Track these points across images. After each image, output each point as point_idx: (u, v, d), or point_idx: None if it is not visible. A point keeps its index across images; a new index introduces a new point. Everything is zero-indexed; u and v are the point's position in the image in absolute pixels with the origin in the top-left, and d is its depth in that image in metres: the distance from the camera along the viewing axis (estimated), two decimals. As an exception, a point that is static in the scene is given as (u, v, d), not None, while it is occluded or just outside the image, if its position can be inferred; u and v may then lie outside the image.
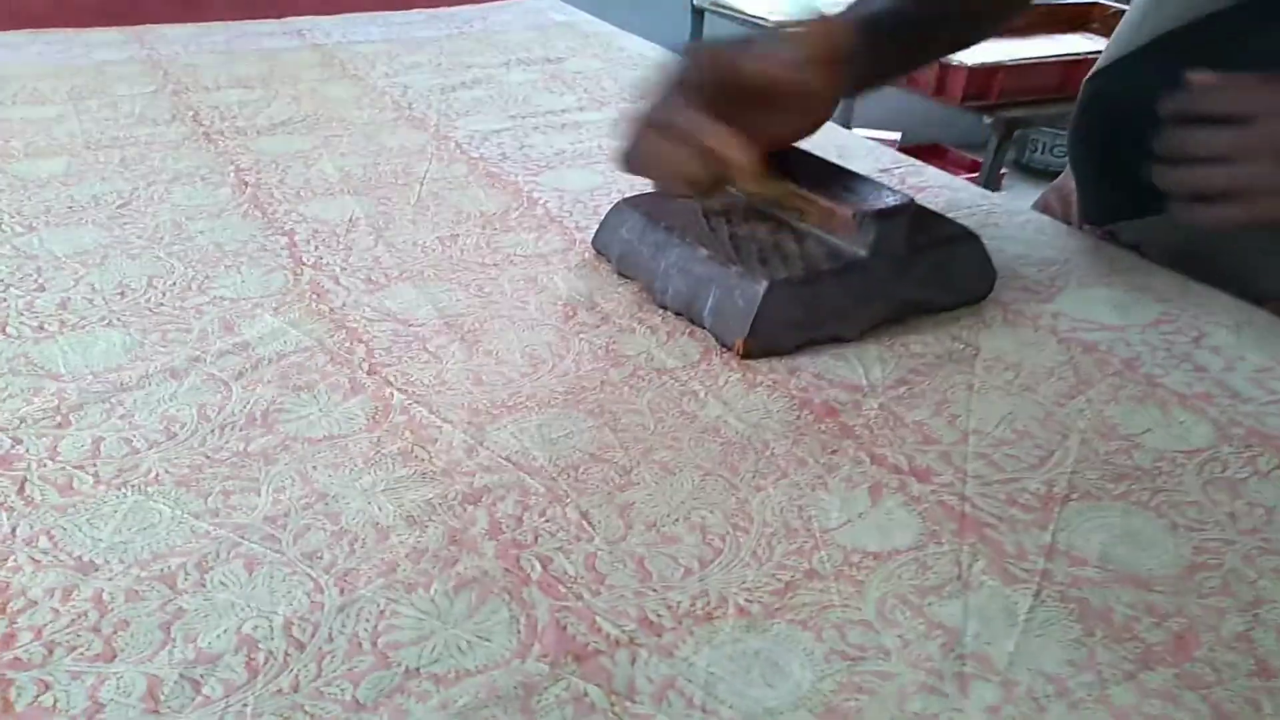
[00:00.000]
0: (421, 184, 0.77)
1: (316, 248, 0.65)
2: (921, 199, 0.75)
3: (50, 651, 0.34)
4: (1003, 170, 2.94)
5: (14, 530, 0.39)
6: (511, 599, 0.37)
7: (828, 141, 0.86)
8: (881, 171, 0.81)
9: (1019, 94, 1.51)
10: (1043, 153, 3.41)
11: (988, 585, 0.38)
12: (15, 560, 0.37)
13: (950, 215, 0.72)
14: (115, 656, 0.34)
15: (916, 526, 0.41)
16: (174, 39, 1.21)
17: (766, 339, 0.53)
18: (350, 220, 0.70)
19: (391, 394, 0.49)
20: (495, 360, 0.53)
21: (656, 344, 0.55)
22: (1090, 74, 0.73)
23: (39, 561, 0.38)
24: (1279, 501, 0.44)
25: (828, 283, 0.54)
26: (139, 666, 0.33)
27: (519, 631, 0.35)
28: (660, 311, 0.58)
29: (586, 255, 0.65)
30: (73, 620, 0.35)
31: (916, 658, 0.35)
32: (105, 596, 0.36)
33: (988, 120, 1.52)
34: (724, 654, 0.35)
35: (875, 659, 0.35)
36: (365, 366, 0.52)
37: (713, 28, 1.95)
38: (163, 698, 0.32)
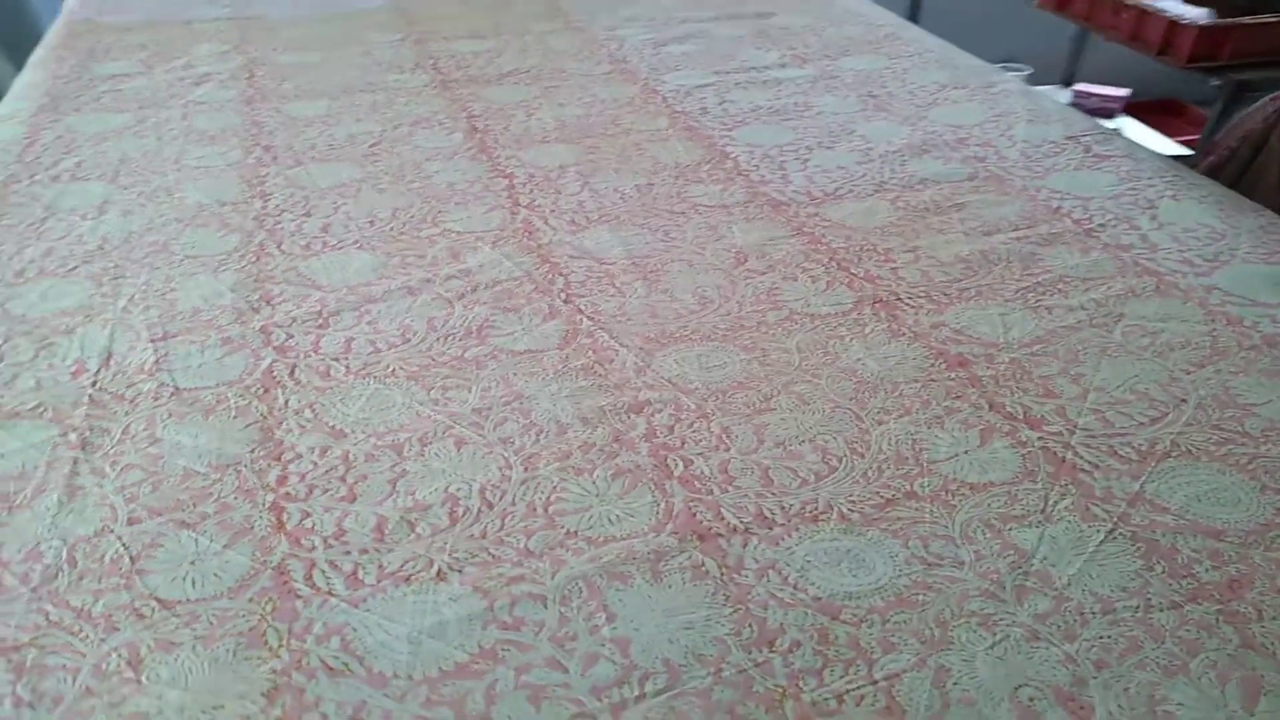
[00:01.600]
0: (627, 135, 0.86)
1: (531, 191, 0.75)
2: (1103, 167, 0.77)
3: (310, 491, 0.45)
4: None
5: (286, 402, 0.51)
6: (656, 488, 0.45)
7: (1018, 106, 0.89)
8: (1068, 139, 0.83)
9: (1254, 54, 1.43)
10: None
11: (1067, 520, 0.44)
12: (287, 424, 0.49)
13: (1128, 185, 0.74)
14: (355, 499, 0.45)
15: (1016, 465, 0.47)
16: (422, -11, 1.35)
17: None
18: (561, 167, 0.79)
19: (581, 320, 0.58)
20: (670, 298, 0.61)
21: (815, 292, 0.61)
22: None
23: (304, 427, 0.49)
24: (1388, 478, 0.46)
25: None
26: (372, 508, 0.44)
27: (658, 513, 0.44)
28: (824, 262, 0.65)
29: (765, 208, 0.72)
30: (327, 471, 0.46)
31: (986, 570, 0.41)
32: (350, 456, 0.47)
33: (1216, 82, 1.46)
34: (821, 548, 0.42)
35: (950, 567, 0.41)
36: (563, 296, 0.61)
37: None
38: (387, 531, 0.43)
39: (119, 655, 0.37)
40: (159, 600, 0.39)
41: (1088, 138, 0.84)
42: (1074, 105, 1.66)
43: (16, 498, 0.44)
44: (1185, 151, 1.57)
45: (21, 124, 0.88)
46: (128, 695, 0.35)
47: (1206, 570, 0.41)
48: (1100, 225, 0.69)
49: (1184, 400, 0.52)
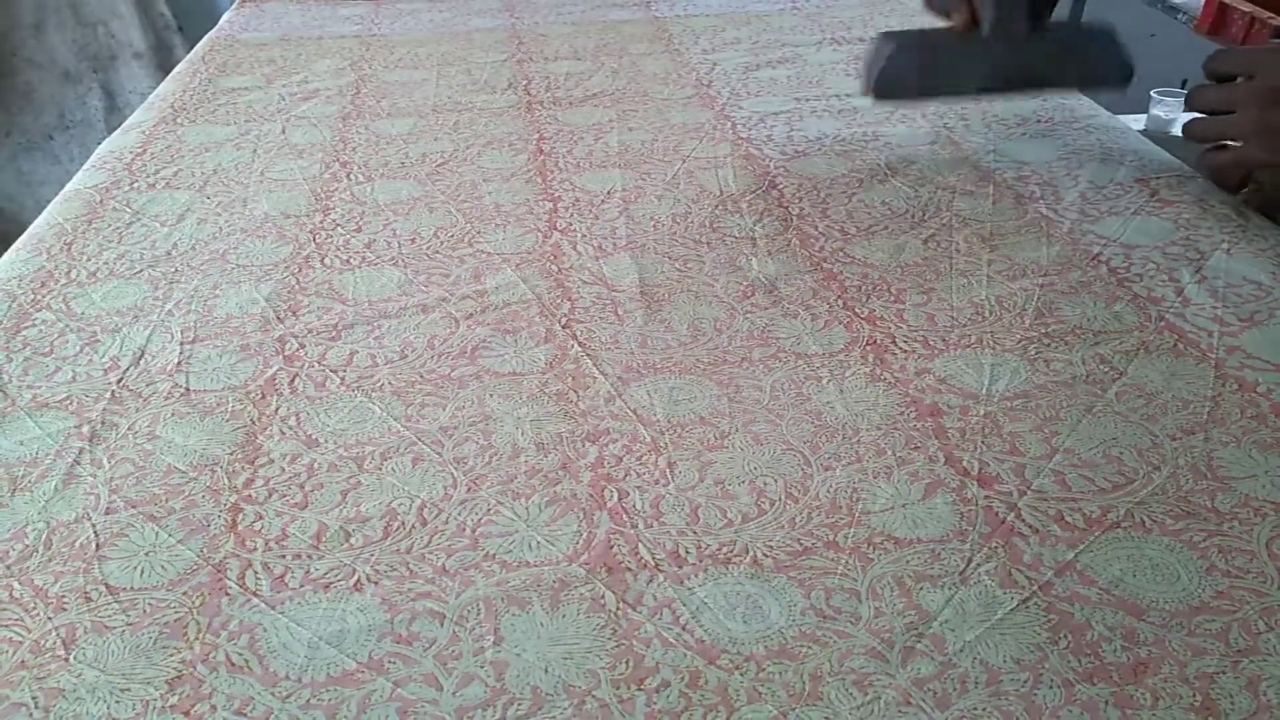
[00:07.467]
0: (684, 161, 0.87)
1: (571, 215, 0.78)
2: (1163, 213, 0.74)
3: (269, 495, 0.49)
4: None
5: (276, 410, 0.55)
6: (584, 517, 0.47)
7: (1095, 143, 0.86)
8: (1137, 181, 0.80)
9: None
10: None
11: (984, 584, 0.43)
12: (269, 430, 0.53)
13: (1184, 233, 0.71)
14: (306, 506, 0.48)
15: (950, 524, 0.46)
16: (538, 7, 1.40)
17: (888, 85, 0.80)
18: (609, 192, 0.82)
19: (572, 346, 0.61)
20: (665, 328, 0.62)
21: (810, 331, 0.62)
22: None
23: (284, 434, 0.53)
24: (1366, 570, 0.44)
25: (945, 46, 0.79)
26: (317, 515, 0.47)
27: (577, 543, 0.46)
28: (830, 300, 0.65)
29: (793, 241, 0.73)
30: (290, 477, 0.50)
31: (880, 628, 0.41)
32: (315, 465, 0.51)
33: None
34: (722, 591, 0.43)
35: (845, 621, 0.41)
36: (564, 321, 0.63)
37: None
38: (324, 539, 0.46)
39: (58, 634, 0.41)
40: (108, 586, 0.43)
41: (1158, 181, 0.81)
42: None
43: (21, 481, 0.50)
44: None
45: (142, 133, 0.97)
46: (53, 671, 0.39)
47: (1115, 650, 0.40)
48: (1136, 275, 0.67)
49: (1157, 468, 0.50)
